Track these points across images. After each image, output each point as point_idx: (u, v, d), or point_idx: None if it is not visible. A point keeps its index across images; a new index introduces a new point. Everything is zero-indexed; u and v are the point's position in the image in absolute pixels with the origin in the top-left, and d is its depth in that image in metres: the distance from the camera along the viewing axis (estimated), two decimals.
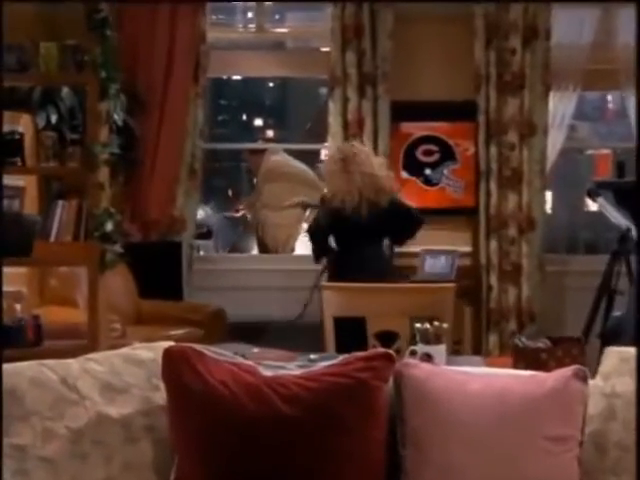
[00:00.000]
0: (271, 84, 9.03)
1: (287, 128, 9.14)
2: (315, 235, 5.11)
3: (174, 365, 2.29)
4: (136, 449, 2.28)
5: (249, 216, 6.08)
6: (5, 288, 3.62)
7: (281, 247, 6.71)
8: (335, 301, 3.48)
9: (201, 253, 6.77)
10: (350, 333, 3.46)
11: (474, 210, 6.13)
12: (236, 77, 7.84)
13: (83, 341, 4.16)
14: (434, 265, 5.95)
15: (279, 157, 6.88)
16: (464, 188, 6.20)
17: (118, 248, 4.33)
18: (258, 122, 9.34)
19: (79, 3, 4.19)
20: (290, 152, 7.02)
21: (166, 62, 6.02)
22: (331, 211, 4.92)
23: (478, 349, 5.98)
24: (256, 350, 3.37)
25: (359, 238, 4.93)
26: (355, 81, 6.05)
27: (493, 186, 6.07)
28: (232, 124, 9.23)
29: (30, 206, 4.53)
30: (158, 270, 5.88)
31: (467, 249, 6.17)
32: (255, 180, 7.06)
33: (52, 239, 4.16)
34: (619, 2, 5.84)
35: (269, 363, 2.40)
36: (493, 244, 6.08)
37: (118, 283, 5.47)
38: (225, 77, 7.52)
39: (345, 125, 6.11)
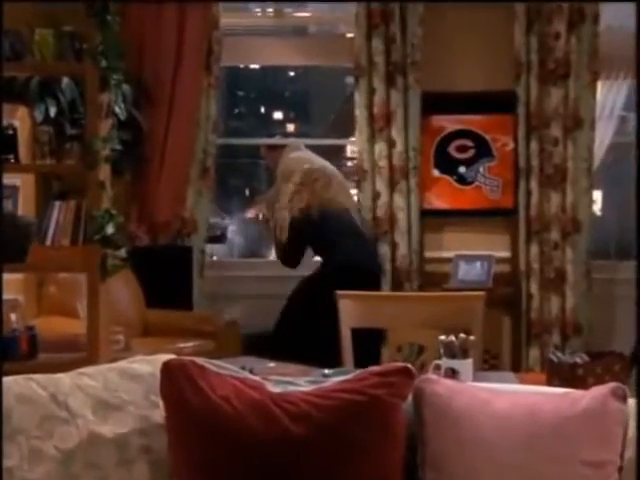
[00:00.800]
0: (292, 73, 9.03)
1: (309, 121, 9.15)
2: (294, 241, 5.55)
3: (173, 380, 2.30)
4: (131, 472, 2.30)
5: (260, 217, 6.09)
6: None
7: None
8: (353, 311, 3.49)
9: (214, 258, 6.80)
10: (371, 346, 3.47)
11: (513, 211, 6.12)
12: (253, 66, 7.86)
13: (82, 354, 4.19)
14: (468, 272, 5.95)
15: (300, 153, 6.89)
16: (502, 187, 6.19)
17: (121, 253, 4.35)
18: (277, 115, 9.35)
19: None
20: (312, 148, 7.02)
21: (175, 49, 6.05)
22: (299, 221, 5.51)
23: (517, 364, 5.97)
24: (272, 365, 3.38)
25: (341, 230, 5.47)
26: (382, 70, 6.06)
27: (534, 185, 6.05)
28: (249, 117, 9.24)
29: (25, 207, 4.57)
30: (166, 277, 5.91)
31: (505, 254, 6.16)
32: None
33: (48, 243, 4.20)
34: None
35: (277, 378, 2.41)
36: (534, 249, 6.06)
37: (122, 291, 5.51)
38: (241, 66, 7.54)
39: (371, 118, 6.13)
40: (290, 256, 5.64)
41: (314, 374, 2.91)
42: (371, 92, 6.09)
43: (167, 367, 2.33)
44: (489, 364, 5.96)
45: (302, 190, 5.63)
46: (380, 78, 6.06)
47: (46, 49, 4.12)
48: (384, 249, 6.11)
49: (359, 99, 6.15)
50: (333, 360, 3.47)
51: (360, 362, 3.15)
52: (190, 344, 5.43)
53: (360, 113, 6.15)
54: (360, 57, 6.09)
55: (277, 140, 8.19)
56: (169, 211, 6.17)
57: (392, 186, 6.12)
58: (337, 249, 5.46)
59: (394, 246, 6.13)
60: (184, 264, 6.08)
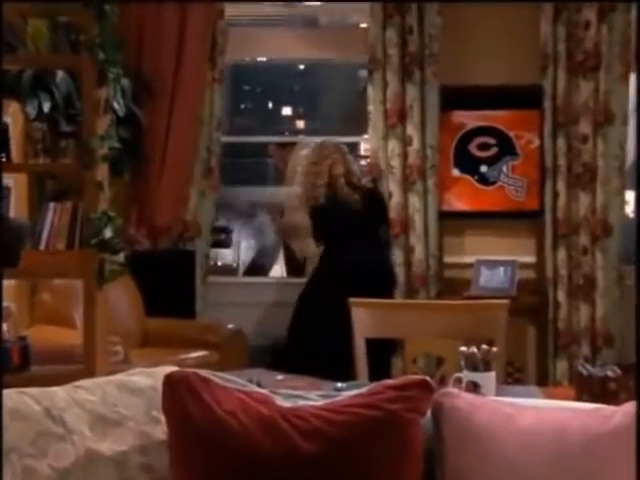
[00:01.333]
0: (301, 67, 9.06)
1: (320, 118, 9.18)
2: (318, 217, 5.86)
3: (176, 394, 2.31)
4: None
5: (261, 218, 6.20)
6: None
7: (311, 257, 6.74)
8: (367, 320, 3.49)
9: (218, 264, 6.82)
10: (386, 358, 3.47)
11: (538, 213, 6.11)
12: (260, 59, 7.87)
13: (78, 366, 4.21)
14: (491, 278, 5.95)
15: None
16: (526, 188, 6.18)
17: (120, 258, 4.37)
18: (286, 111, 9.37)
19: None
20: None
21: (177, 41, 6.08)
22: (314, 211, 5.83)
23: (543, 378, 5.96)
24: (280, 377, 3.39)
25: (351, 231, 5.76)
26: (398, 63, 6.07)
27: (561, 185, 6.04)
28: (256, 113, 9.28)
29: (18, 208, 4.59)
30: (167, 283, 5.93)
31: (530, 259, 6.15)
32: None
33: (42, 247, 4.22)
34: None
35: (287, 392, 2.42)
36: (561, 253, 6.05)
37: (120, 298, 5.53)
38: (248, 59, 7.56)
39: (386, 114, 6.14)
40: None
41: (326, 387, 2.92)
42: (386, 86, 6.11)
43: (169, 380, 2.33)
44: (513, 377, 5.96)
45: (315, 172, 5.89)
46: (395, 71, 6.07)
47: (40, 41, 4.14)
48: (397, 253, 6.11)
49: (373, 94, 6.16)
50: (346, 372, 3.47)
51: (375, 375, 3.15)
52: (193, 355, 5.45)
53: (374, 109, 6.17)
54: (375, 49, 6.10)
55: (286, 138, 8.23)
56: (170, 213, 6.19)
57: (407, 186, 6.12)
58: (347, 249, 5.68)
59: (409, 250, 6.14)
60: (186, 270, 6.11)
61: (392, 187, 6.13)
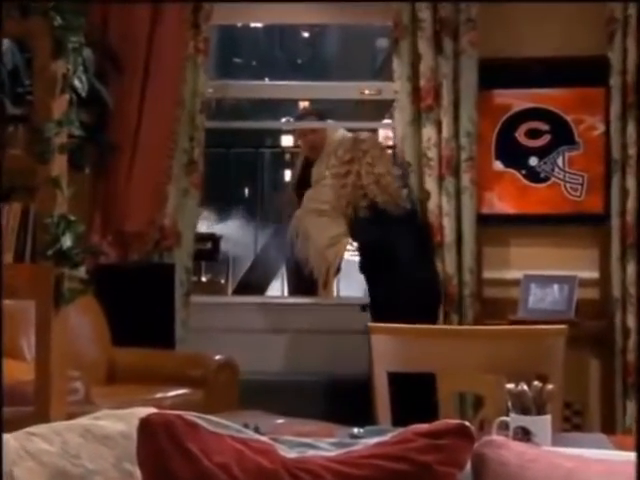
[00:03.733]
0: (306, 34, 9.07)
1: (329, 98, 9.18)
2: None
3: (154, 442, 2.32)
4: None
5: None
6: None
7: (323, 272, 6.76)
8: (390, 349, 3.50)
9: (203, 279, 6.84)
10: (413, 396, 3.48)
11: (603, 217, 6.13)
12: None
13: (29, 408, 4.21)
14: (543, 298, 5.95)
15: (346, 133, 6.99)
16: (587, 185, 6.20)
17: (81, 273, 4.38)
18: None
19: None
20: None
21: (152, 4, 6.09)
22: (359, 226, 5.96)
23: (610, 423, 5.96)
24: (281, 421, 3.41)
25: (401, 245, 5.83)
26: (429, 30, 6.08)
27: (631, 182, 6.05)
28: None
29: None
30: (140, 305, 5.94)
31: (592, 275, 6.15)
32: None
33: None
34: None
35: (292, 440, 2.42)
36: (631, 268, 6.05)
37: (82, 324, 5.54)
38: (239, 25, 7.59)
39: (416, 93, 6.14)
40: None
41: (339, 434, 2.93)
42: (415, 59, 6.14)
43: (146, 425, 2.34)
44: (572, 422, 5.95)
45: (348, 174, 5.97)
46: (426, 40, 6.08)
47: None
48: None
49: (399, 68, 6.17)
50: (363, 414, 3.48)
51: (400, 418, 3.16)
52: (172, 394, 5.47)
53: (401, 86, 6.18)
54: (401, 13, 6.12)
55: (284, 124, 8.24)
56: (144, 217, 6.20)
57: (439, 184, 6.13)
58: (398, 267, 5.78)
59: (439, 262, 6.16)
60: (163, 287, 6.12)
61: (429, 186, 6.14)
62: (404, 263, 5.83)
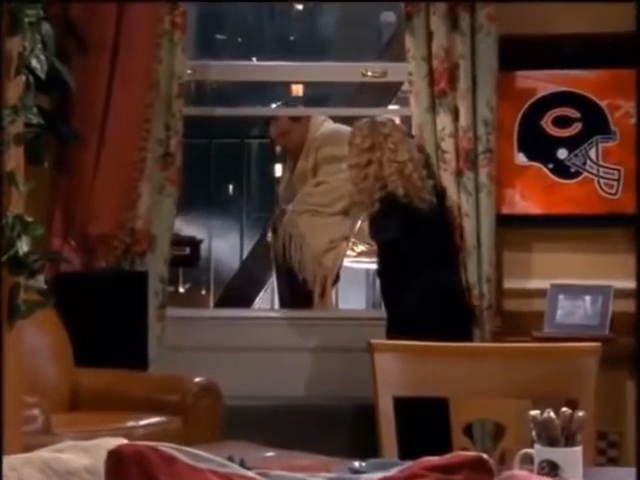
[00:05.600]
0: (299, 7, 9.10)
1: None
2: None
3: (125, 478, 2.33)
4: None
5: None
6: None
7: (320, 280, 6.78)
8: (397, 370, 3.51)
9: (180, 290, 6.85)
10: (422, 425, 3.48)
11: None
12: None
13: None
14: (572, 311, 5.96)
15: (333, 125, 7.00)
16: (624, 181, 6.21)
17: (40, 282, 4.38)
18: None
19: None
20: (333, 120, 7.10)
21: None
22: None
23: None
24: (270, 454, 3.42)
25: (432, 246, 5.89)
26: (443, 4, 6.10)
27: None
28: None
29: None
30: (108, 319, 5.94)
31: (629, 285, 6.15)
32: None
33: None
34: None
35: (282, 475, 2.43)
36: None
37: (40, 341, 5.54)
38: None
39: (430, 74, 6.15)
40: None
41: (338, 468, 2.94)
42: (428, 36, 6.13)
43: (115, 458, 2.35)
44: (607, 455, 5.96)
45: (370, 161, 6.03)
46: (440, 16, 6.09)
47: None
48: None
49: (412, 46, 6.18)
50: (366, 445, 3.49)
51: (408, 449, 3.17)
52: (144, 422, 5.47)
53: (415, 67, 6.18)
54: None
55: (274, 110, 8.24)
56: (112, 218, 6.20)
57: (456, 180, 6.14)
58: (422, 273, 5.88)
59: None
60: (135, 299, 6.12)
61: (445, 181, 6.18)
62: (430, 269, 5.89)
